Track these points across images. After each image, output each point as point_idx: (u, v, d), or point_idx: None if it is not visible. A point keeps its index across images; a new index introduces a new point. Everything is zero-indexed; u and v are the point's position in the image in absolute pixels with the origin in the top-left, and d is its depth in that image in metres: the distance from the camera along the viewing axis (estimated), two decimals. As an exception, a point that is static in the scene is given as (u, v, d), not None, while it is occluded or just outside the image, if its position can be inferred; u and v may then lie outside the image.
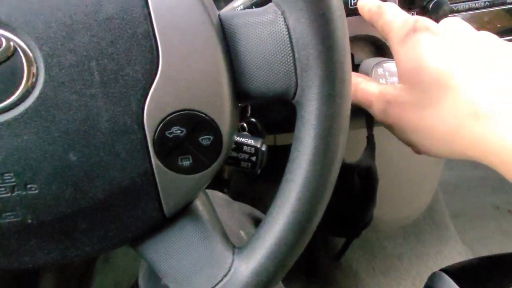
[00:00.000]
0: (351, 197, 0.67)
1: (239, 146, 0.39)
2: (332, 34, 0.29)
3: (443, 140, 0.35)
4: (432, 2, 0.51)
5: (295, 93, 0.30)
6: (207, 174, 0.31)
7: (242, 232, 0.55)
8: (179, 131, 0.29)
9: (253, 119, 0.55)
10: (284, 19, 0.30)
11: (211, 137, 0.30)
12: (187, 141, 0.29)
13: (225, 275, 0.32)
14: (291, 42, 0.29)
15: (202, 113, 0.29)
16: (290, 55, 0.30)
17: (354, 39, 0.52)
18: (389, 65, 0.46)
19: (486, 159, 0.33)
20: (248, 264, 0.32)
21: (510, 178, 0.33)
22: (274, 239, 0.31)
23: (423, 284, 0.66)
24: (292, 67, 0.30)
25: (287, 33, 0.29)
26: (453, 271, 0.62)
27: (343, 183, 0.65)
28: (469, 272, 0.63)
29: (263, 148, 0.40)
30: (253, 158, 0.39)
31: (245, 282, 0.31)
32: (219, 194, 0.60)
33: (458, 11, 0.54)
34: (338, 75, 0.29)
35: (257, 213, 0.62)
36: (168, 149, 0.29)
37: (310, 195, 0.30)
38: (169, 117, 0.29)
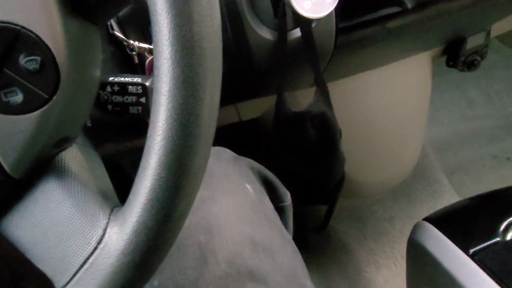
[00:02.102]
0: (309, 153, 0.59)
1: (122, 88, 0.32)
2: None
3: None
4: None
5: None
6: (50, 111, 0.23)
7: (248, 186, 0.52)
8: None
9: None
10: None
11: (39, 58, 0.22)
12: (5, 66, 0.22)
13: (99, 242, 0.25)
14: None
15: (13, 24, 0.21)
16: None
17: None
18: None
19: None
20: (124, 225, 0.24)
21: None
22: (149, 184, 0.23)
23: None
24: None
25: None
26: (437, 219, 0.55)
27: (295, 136, 0.58)
28: (455, 216, 0.56)
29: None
30: (142, 100, 0.31)
31: (121, 248, 0.24)
32: (227, 150, 0.56)
33: None
34: None
35: (266, 172, 0.57)
36: None
37: (180, 111, 0.22)
38: None
